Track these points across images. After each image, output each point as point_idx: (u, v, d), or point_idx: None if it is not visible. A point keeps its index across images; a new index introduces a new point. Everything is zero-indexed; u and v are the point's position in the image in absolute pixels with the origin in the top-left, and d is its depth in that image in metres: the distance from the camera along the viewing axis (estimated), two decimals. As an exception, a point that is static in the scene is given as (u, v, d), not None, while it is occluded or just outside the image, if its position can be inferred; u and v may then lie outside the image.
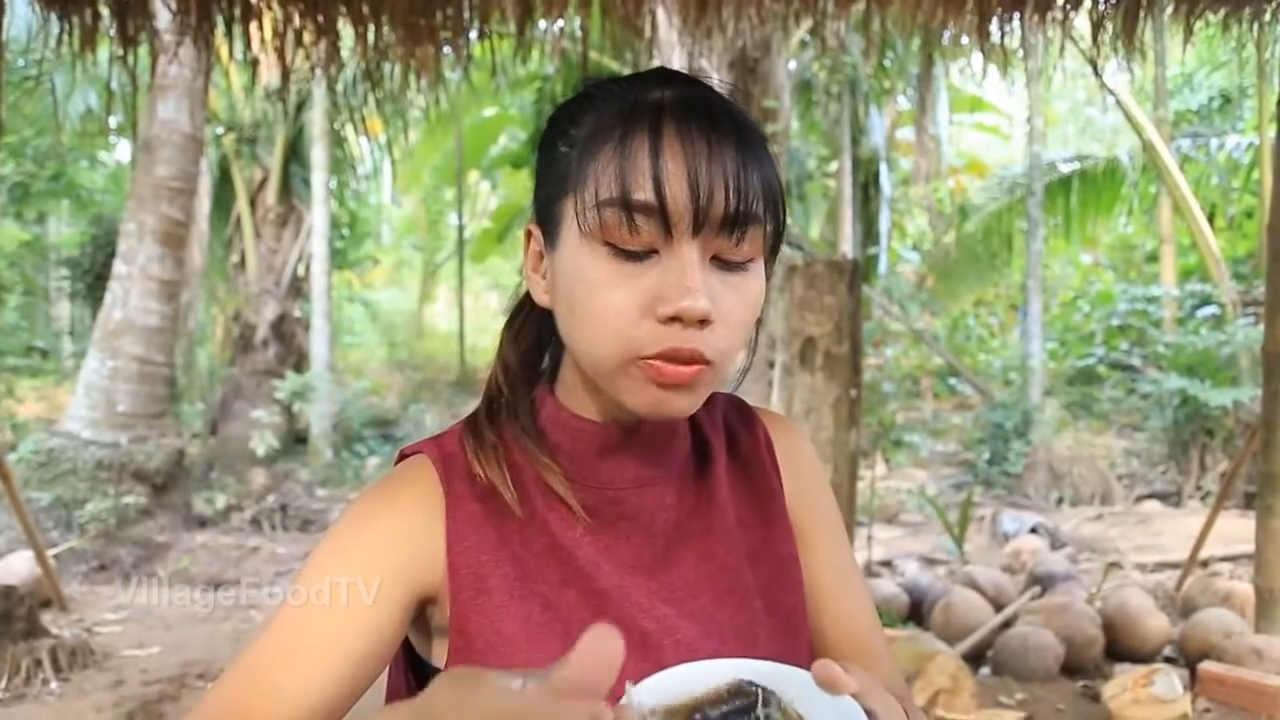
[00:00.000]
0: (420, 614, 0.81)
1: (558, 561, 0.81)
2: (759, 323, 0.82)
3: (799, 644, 0.87)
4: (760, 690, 0.58)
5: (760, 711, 0.57)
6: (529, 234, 0.84)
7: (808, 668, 0.88)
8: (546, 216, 0.80)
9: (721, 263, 0.74)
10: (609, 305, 0.73)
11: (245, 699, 0.72)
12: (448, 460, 0.83)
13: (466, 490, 0.81)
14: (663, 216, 0.71)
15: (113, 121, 9.68)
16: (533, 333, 0.90)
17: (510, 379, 0.88)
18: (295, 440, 10.59)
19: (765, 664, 0.62)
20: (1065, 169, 11.39)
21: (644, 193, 0.71)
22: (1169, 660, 4.10)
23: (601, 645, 0.45)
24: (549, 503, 0.83)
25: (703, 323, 0.72)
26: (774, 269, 0.85)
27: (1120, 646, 4.15)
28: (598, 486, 0.83)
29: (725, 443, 0.93)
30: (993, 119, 16.67)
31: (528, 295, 0.88)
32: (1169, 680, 3.29)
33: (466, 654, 0.76)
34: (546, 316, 0.84)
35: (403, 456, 0.86)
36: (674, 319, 0.71)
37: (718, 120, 0.74)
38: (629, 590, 0.81)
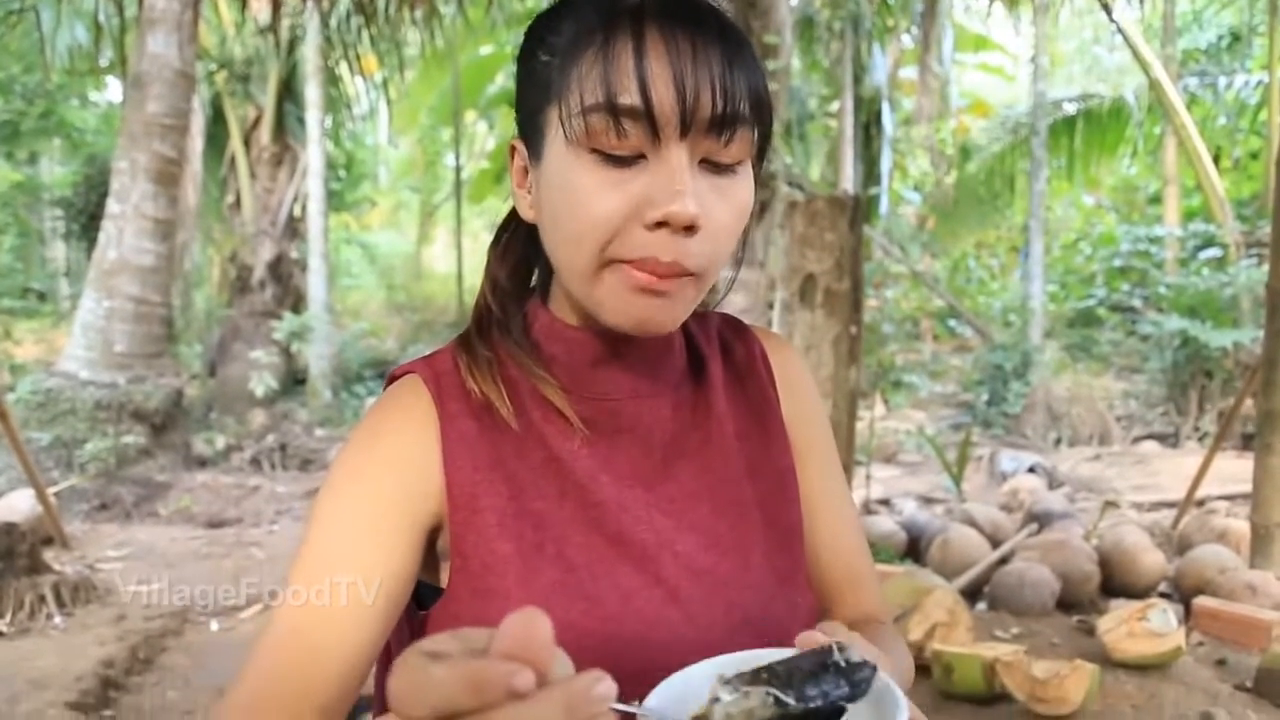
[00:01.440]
0: (431, 540, 0.80)
1: (555, 474, 0.79)
2: (747, 234, 0.80)
3: (796, 557, 0.86)
4: (834, 643, 0.57)
5: (837, 657, 0.56)
6: (513, 149, 0.82)
7: (804, 582, 0.87)
8: (530, 129, 0.78)
9: (710, 165, 0.73)
10: (595, 210, 0.71)
11: (291, 661, 0.71)
12: (439, 379, 0.82)
13: (460, 408, 0.80)
14: (649, 119, 0.69)
15: (103, 61, 9.53)
16: (520, 249, 0.88)
17: (499, 296, 0.86)
18: (294, 381, 10.60)
19: (765, 651, 0.62)
20: (1070, 109, 11.26)
21: (630, 96, 0.69)
22: (1164, 596, 4.12)
23: (526, 625, 0.42)
24: (545, 415, 0.81)
25: (690, 229, 0.70)
26: (762, 194, 0.82)
27: (1116, 582, 4.17)
28: (594, 398, 0.82)
29: (720, 356, 0.92)
30: (997, 59, 16.43)
31: (513, 212, 0.86)
32: (1164, 615, 3.31)
33: (465, 574, 0.76)
34: (534, 233, 0.82)
35: (393, 378, 0.85)
36: (661, 224, 0.70)
37: (702, 21, 0.72)
38: (627, 502, 0.80)
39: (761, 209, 5.79)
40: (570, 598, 0.75)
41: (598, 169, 0.71)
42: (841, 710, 0.55)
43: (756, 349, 0.94)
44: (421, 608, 0.80)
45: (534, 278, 0.89)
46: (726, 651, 0.76)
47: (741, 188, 0.75)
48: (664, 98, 0.69)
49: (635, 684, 0.73)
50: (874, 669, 0.56)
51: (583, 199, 0.71)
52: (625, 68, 0.69)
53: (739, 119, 0.71)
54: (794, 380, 0.95)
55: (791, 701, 0.53)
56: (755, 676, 0.54)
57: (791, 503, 0.88)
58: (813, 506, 0.91)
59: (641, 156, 0.71)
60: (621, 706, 0.45)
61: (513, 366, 0.83)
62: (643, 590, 0.77)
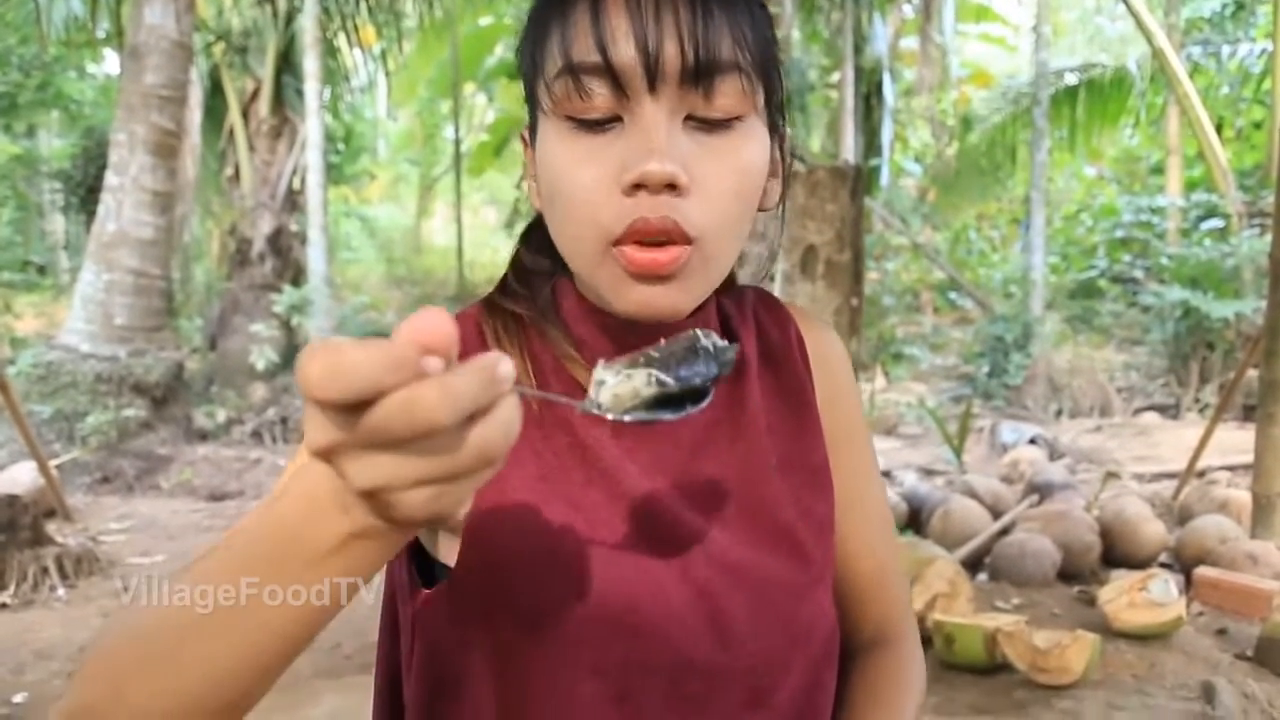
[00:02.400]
0: None
1: (581, 461, 0.75)
2: (782, 199, 0.75)
3: (826, 555, 0.82)
4: (696, 330, 0.60)
5: (705, 342, 0.59)
6: (523, 139, 0.79)
7: (830, 585, 0.83)
8: (530, 112, 0.75)
9: (699, 122, 0.67)
10: (577, 184, 0.67)
11: None
12: (463, 342, 0.77)
13: None
14: (611, 75, 0.65)
15: (100, 33, 9.45)
16: (546, 240, 0.80)
17: (522, 273, 0.82)
18: (294, 354, 10.57)
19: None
20: (1072, 79, 11.19)
21: (588, 54, 0.65)
22: (1165, 566, 4.14)
23: (431, 317, 0.42)
24: (568, 395, 0.76)
25: (673, 188, 0.65)
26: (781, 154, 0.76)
27: (1117, 553, 4.19)
28: None
29: (756, 338, 0.86)
30: (999, 30, 16.32)
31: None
32: (1164, 585, 3.32)
33: (480, 550, 0.71)
34: None
35: None
36: (639, 186, 0.65)
37: None
38: (655, 494, 0.75)
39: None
40: (597, 584, 0.71)
41: (574, 138, 0.68)
42: (708, 390, 0.58)
43: (792, 331, 0.88)
44: (426, 582, 0.75)
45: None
46: (756, 653, 0.75)
47: (742, 145, 0.69)
48: (623, 51, 0.65)
49: (662, 677, 0.71)
50: (735, 348, 0.60)
51: (564, 173, 0.68)
52: (581, 25, 0.66)
53: (718, 67, 0.66)
54: (830, 364, 0.89)
55: (671, 381, 0.56)
56: (634, 361, 0.56)
57: (825, 497, 0.84)
58: (843, 497, 0.86)
59: (617, 119, 0.67)
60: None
61: (537, 341, 0.78)
62: (670, 585, 0.72)
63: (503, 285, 0.82)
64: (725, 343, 0.60)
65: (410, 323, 0.42)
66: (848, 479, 0.87)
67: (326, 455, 0.43)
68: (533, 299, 0.80)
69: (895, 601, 0.90)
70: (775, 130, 0.75)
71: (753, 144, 0.70)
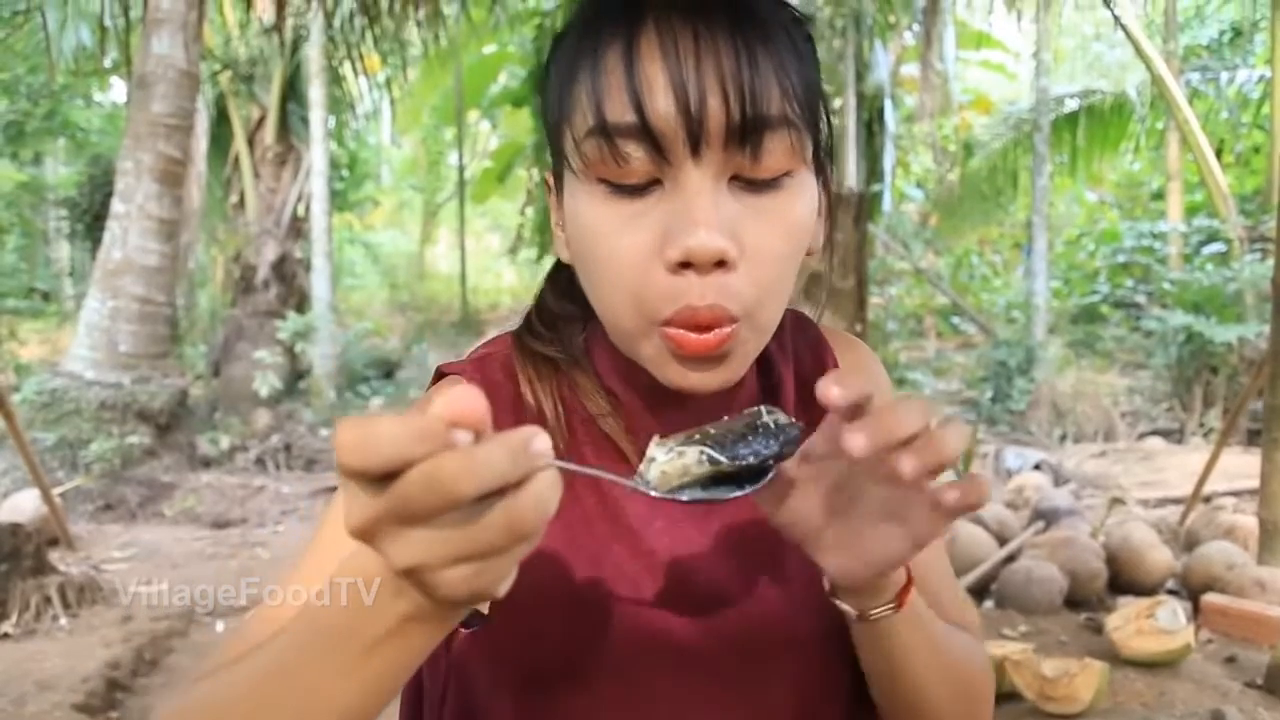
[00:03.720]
0: None
1: (605, 516, 0.72)
2: (832, 247, 0.74)
3: None
4: (760, 407, 0.59)
5: (767, 419, 0.57)
6: (547, 185, 0.74)
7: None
8: (554, 159, 0.70)
9: (745, 183, 0.62)
10: (614, 254, 0.62)
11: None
12: (492, 389, 0.73)
13: (510, 422, 0.71)
14: (650, 138, 0.59)
15: (107, 62, 9.52)
16: (574, 285, 0.76)
17: (548, 316, 0.78)
18: (298, 381, 10.60)
19: None
20: (1072, 104, 11.25)
21: (621, 113, 0.59)
22: (1172, 593, 4.11)
23: (464, 393, 0.43)
24: (599, 450, 0.74)
25: (722, 265, 0.60)
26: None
27: (1123, 580, 4.16)
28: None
29: (793, 367, 0.82)
30: (999, 56, 16.41)
31: None
32: (1172, 612, 3.30)
33: (509, 602, 0.67)
34: None
35: (440, 375, 0.77)
36: (685, 264, 0.60)
37: (710, 7, 0.61)
38: (681, 549, 0.72)
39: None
40: (619, 637, 0.69)
41: (609, 202, 0.62)
42: (768, 468, 0.57)
43: (828, 357, 0.84)
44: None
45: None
46: (784, 707, 0.73)
47: (792, 204, 0.64)
48: (662, 109, 0.59)
49: None
50: (800, 428, 0.58)
51: (599, 241, 0.63)
52: (615, 79, 0.60)
53: (767, 123, 0.60)
54: (866, 378, 0.85)
55: (724, 459, 0.55)
56: (689, 438, 0.56)
57: None
58: None
59: (657, 182, 0.62)
60: (560, 464, 0.46)
61: (567, 387, 0.75)
62: (697, 643, 0.71)
63: (528, 325, 0.79)
64: (789, 420, 0.58)
65: (443, 396, 0.43)
66: None
67: (365, 535, 0.44)
68: (562, 343, 0.76)
69: (950, 604, 0.85)
70: (821, 172, 0.70)
71: (803, 199, 0.65)
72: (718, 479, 0.56)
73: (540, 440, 0.43)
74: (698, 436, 0.56)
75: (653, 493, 0.55)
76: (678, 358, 0.63)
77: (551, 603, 0.70)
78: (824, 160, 0.70)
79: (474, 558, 0.43)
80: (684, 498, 0.55)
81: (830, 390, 0.52)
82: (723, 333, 0.62)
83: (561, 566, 0.70)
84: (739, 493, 0.56)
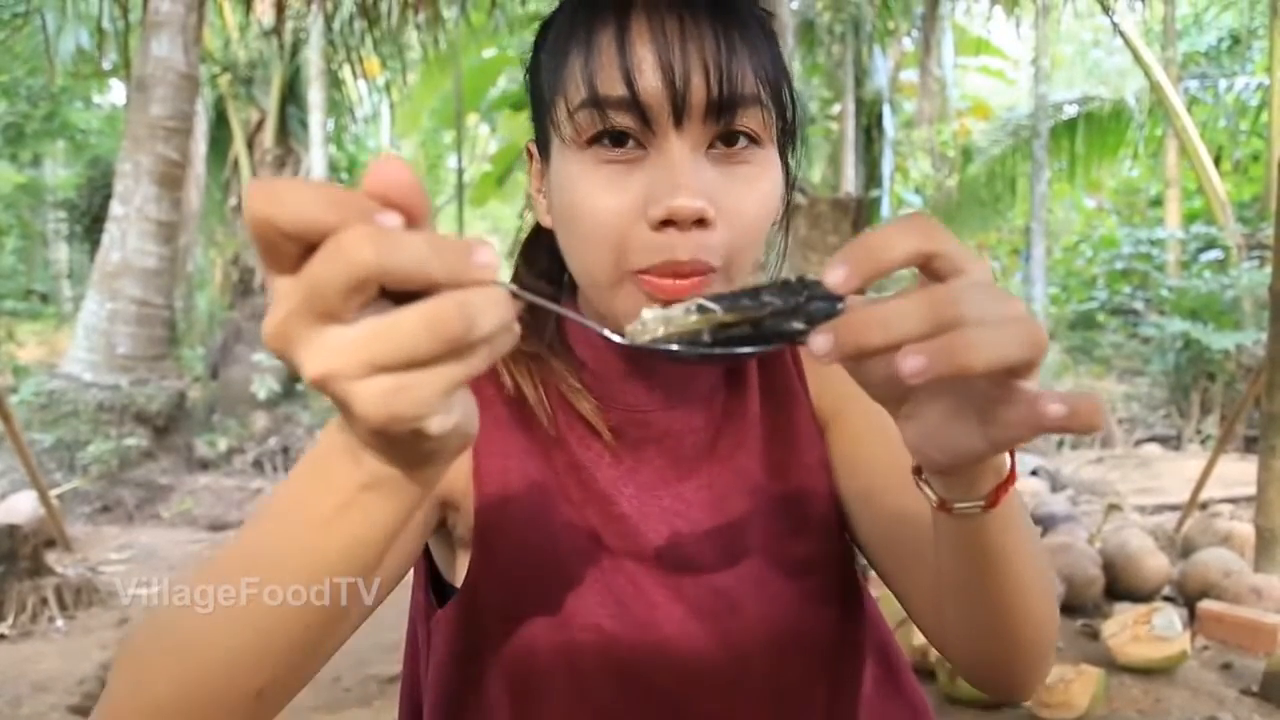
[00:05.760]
0: (442, 525, 0.77)
1: (577, 481, 0.77)
2: (786, 228, 0.76)
3: (833, 551, 0.81)
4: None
5: (793, 280, 0.47)
6: (529, 153, 0.79)
7: (850, 568, 0.83)
8: (539, 131, 0.75)
9: (720, 152, 0.69)
10: (597, 210, 0.67)
11: None
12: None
13: (494, 395, 0.78)
14: (638, 110, 0.66)
15: (106, 64, 9.54)
16: (546, 258, 0.83)
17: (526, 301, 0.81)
18: (296, 383, 10.59)
19: None
20: (1071, 111, 11.27)
21: (614, 87, 0.66)
22: (1168, 600, 4.11)
23: (391, 164, 0.38)
24: (570, 420, 0.79)
25: (701, 223, 0.65)
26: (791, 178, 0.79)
27: (1120, 586, 4.16)
28: (624, 408, 0.79)
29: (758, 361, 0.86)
30: (997, 63, 16.45)
31: (538, 223, 0.82)
32: (1168, 619, 3.30)
33: (490, 565, 0.74)
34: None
35: None
36: (667, 223, 0.65)
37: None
38: (650, 514, 0.77)
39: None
40: (600, 600, 0.73)
41: (597, 168, 0.68)
42: (792, 332, 0.46)
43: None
44: (441, 605, 0.78)
45: (564, 279, 0.83)
46: (757, 667, 0.76)
47: (760, 174, 0.70)
48: (651, 85, 0.65)
49: (666, 700, 0.73)
50: (837, 299, 0.46)
51: (585, 200, 0.68)
52: (608, 57, 0.66)
53: (741, 100, 0.67)
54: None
55: (717, 308, 0.46)
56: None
57: (823, 498, 0.82)
58: (866, 442, 0.80)
59: (641, 149, 0.67)
60: (509, 286, 0.40)
61: (545, 372, 0.80)
62: (666, 605, 0.75)
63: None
64: (826, 290, 0.46)
65: (373, 167, 0.39)
66: (861, 426, 0.81)
67: (279, 339, 0.39)
68: (537, 325, 0.80)
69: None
70: (785, 150, 0.77)
71: (769, 171, 0.71)
72: (729, 340, 0.47)
73: (485, 253, 0.38)
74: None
75: (619, 339, 0.50)
76: (654, 301, 0.66)
77: (529, 563, 0.74)
78: (786, 141, 0.77)
79: (391, 366, 0.38)
80: (673, 348, 0.48)
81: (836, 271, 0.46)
82: (701, 280, 0.66)
83: (537, 528, 0.74)
84: (746, 350, 0.47)
